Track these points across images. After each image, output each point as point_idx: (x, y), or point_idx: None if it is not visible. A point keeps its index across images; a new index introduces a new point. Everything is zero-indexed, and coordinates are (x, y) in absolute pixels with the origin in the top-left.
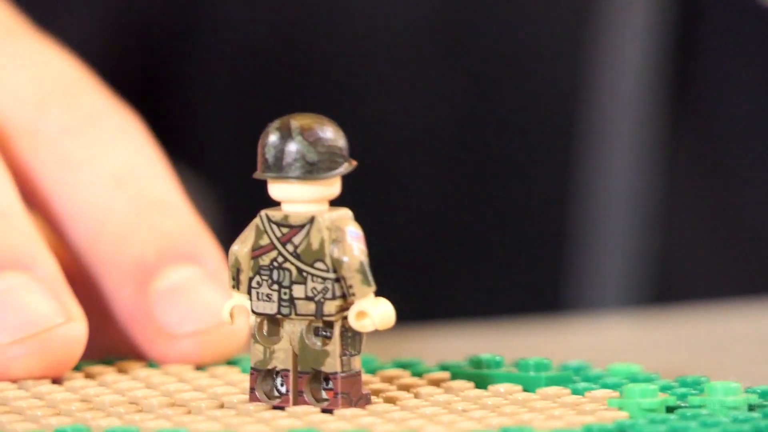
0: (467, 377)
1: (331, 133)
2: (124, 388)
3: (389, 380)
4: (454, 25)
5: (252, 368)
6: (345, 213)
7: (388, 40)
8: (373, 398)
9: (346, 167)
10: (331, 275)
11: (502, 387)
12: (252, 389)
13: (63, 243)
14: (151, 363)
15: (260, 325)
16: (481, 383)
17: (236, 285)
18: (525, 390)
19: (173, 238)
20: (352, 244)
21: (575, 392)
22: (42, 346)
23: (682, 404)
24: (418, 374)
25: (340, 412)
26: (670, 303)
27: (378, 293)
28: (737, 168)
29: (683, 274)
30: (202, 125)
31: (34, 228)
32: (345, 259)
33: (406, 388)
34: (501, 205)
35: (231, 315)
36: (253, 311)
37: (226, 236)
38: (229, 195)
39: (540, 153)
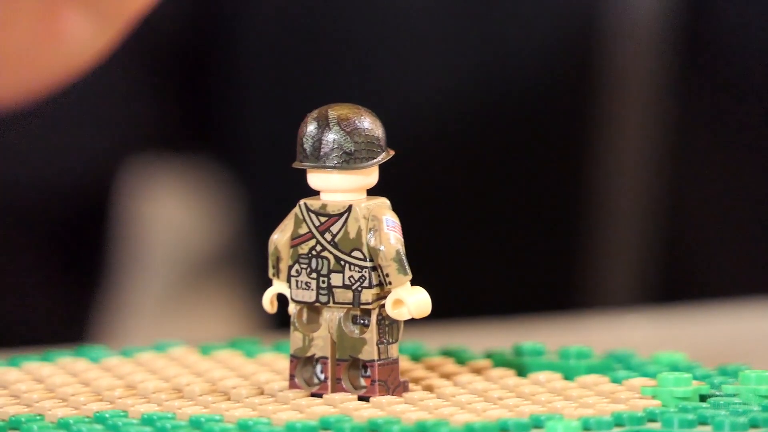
0: (510, 365)
1: (368, 123)
2: (171, 374)
3: (432, 368)
4: (474, 13)
5: (291, 355)
6: (382, 202)
7: (414, 29)
8: (411, 386)
9: (383, 156)
10: (368, 264)
11: (542, 375)
12: (292, 376)
13: None
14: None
15: (300, 313)
16: (523, 372)
17: (276, 273)
18: (565, 378)
19: None
20: (389, 233)
21: (614, 381)
22: None
23: (716, 393)
24: (461, 362)
25: (376, 399)
26: (688, 298)
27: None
28: (752, 153)
29: (699, 268)
30: (236, 119)
31: None
32: (381, 248)
33: (447, 376)
34: (515, 202)
35: (271, 302)
36: (292, 299)
37: (257, 228)
38: (261, 188)
39: (554, 148)
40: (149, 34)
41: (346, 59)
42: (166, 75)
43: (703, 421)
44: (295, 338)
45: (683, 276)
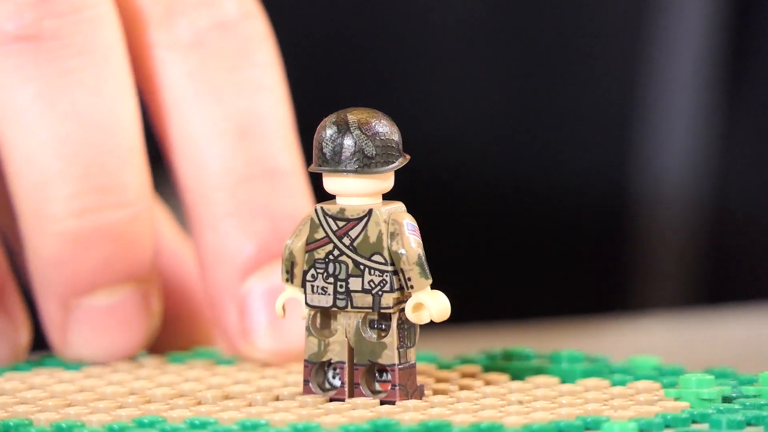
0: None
1: (386, 128)
2: (192, 377)
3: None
4: (512, 7)
5: (306, 360)
6: (399, 206)
7: (440, 30)
8: (426, 390)
9: (401, 161)
10: (390, 268)
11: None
12: (306, 381)
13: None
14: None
15: (313, 318)
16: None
17: (290, 278)
18: (563, 381)
19: (282, 225)
20: (410, 237)
21: (615, 383)
22: None
23: (738, 394)
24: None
25: (403, 403)
26: (726, 302)
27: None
28: None
29: (744, 271)
30: None
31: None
32: (403, 252)
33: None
34: (558, 204)
35: (283, 308)
36: (307, 304)
37: None
38: None
39: (596, 145)
40: None
41: (364, 71)
42: None
43: (750, 422)
44: (310, 343)
45: (728, 279)
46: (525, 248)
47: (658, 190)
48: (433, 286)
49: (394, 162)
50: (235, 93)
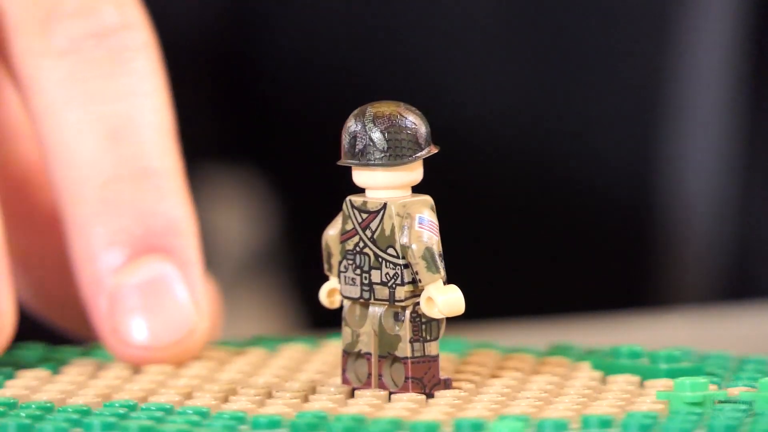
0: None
1: (412, 120)
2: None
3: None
4: (533, 8)
5: (343, 350)
6: (421, 199)
7: (460, 25)
8: (455, 383)
9: (425, 152)
10: (401, 261)
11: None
12: (344, 371)
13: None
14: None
15: (351, 308)
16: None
17: (329, 268)
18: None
19: (153, 223)
20: (420, 231)
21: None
22: None
23: (731, 399)
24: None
25: (398, 396)
26: (758, 296)
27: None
28: None
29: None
30: (271, 122)
31: None
32: (411, 245)
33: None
34: (582, 199)
35: (327, 296)
36: (341, 294)
37: (293, 232)
38: (297, 192)
39: (621, 144)
40: (185, 43)
41: (383, 66)
42: (203, 87)
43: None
44: (345, 333)
45: (752, 274)
46: (547, 245)
47: (682, 186)
48: (456, 282)
49: (418, 153)
50: (108, 98)
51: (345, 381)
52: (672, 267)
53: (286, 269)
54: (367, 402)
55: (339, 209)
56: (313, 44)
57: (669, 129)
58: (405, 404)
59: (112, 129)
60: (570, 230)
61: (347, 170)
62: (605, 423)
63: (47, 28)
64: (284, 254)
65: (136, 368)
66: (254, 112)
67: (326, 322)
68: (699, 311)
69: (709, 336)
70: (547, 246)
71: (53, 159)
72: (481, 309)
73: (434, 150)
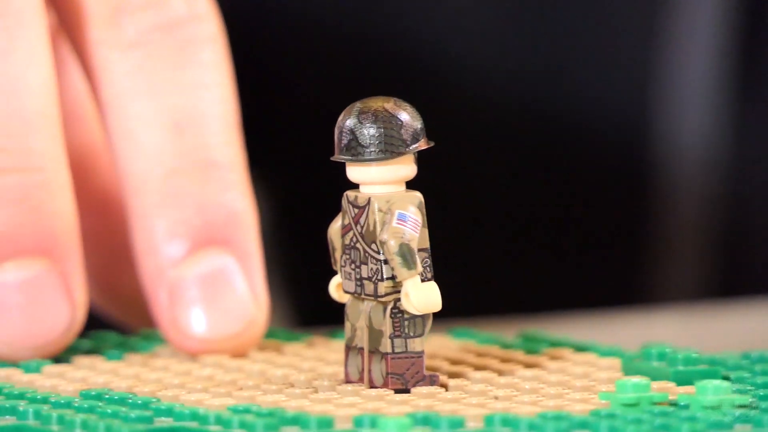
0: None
1: (403, 115)
2: (233, 367)
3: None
4: (526, 12)
5: (345, 345)
6: (408, 195)
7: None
8: (442, 379)
9: (416, 146)
10: (381, 257)
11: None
12: (345, 365)
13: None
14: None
15: (352, 303)
16: None
17: (335, 263)
18: None
19: (214, 215)
20: (398, 227)
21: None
22: None
23: (671, 401)
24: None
25: (366, 392)
26: (747, 294)
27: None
28: None
29: (757, 264)
30: (257, 120)
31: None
32: (388, 241)
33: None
34: (574, 199)
35: (336, 289)
36: (343, 288)
37: (277, 230)
38: (286, 187)
39: (612, 146)
40: None
41: (376, 62)
42: None
43: None
44: (346, 328)
45: (742, 272)
46: (538, 241)
47: (673, 180)
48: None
49: (409, 147)
50: (174, 90)
51: (346, 375)
52: (663, 264)
53: (273, 267)
54: (327, 397)
55: (326, 207)
56: (299, 39)
57: (659, 121)
58: (355, 400)
59: (177, 120)
60: (561, 228)
61: (335, 168)
62: (508, 422)
63: (117, 20)
64: (272, 252)
65: (193, 358)
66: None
67: (314, 319)
68: (687, 309)
69: (699, 333)
70: (539, 243)
71: (119, 149)
72: (467, 306)
73: (425, 145)
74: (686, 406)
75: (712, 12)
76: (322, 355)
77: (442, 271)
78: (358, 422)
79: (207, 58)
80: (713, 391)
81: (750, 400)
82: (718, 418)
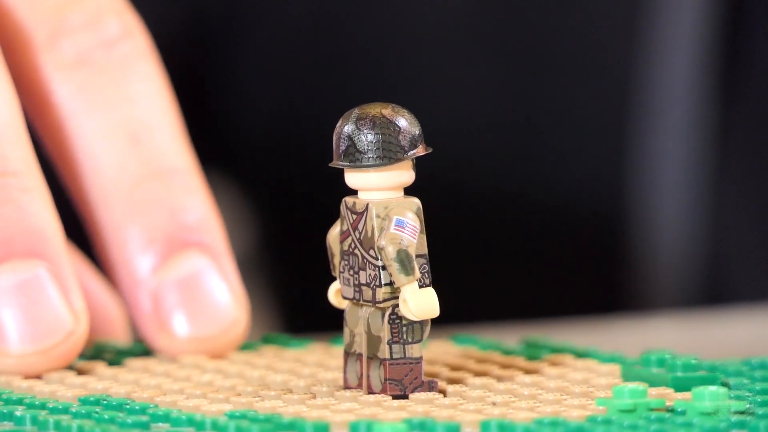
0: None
1: (404, 122)
2: (233, 372)
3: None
4: (506, 10)
5: (344, 351)
6: (406, 201)
7: (435, 28)
8: (441, 385)
9: (414, 152)
10: (379, 263)
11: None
12: (345, 371)
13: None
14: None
15: (351, 309)
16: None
17: (334, 269)
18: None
19: (184, 219)
20: (395, 233)
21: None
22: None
23: (668, 407)
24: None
25: (364, 398)
26: (723, 303)
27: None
28: None
29: (736, 274)
30: (239, 129)
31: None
32: (385, 247)
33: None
34: (555, 204)
35: (335, 296)
36: (342, 294)
37: (266, 237)
38: (270, 199)
39: (594, 154)
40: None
41: (356, 67)
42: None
43: None
44: (345, 334)
45: (722, 280)
46: (524, 250)
47: (654, 195)
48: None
49: (407, 153)
50: (124, 103)
51: (345, 381)
52: (645, 273)
53: (262, 275)
54: (324, 403)
55: (317, 214)
56: (284, 50)
57: (640, 138)
58: (352, 405)
59: (132, 132)
60: (546, 237)
61: (326, 175)
62: (505, 428)
63: (55, 43)
64: (260, 261)
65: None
66: (228, 120)
67: (303, 326)
68: (673, 316)
69: (684, 340)
70: (525, 253)
71: (79, 167)
72: (470, 312)
73: (423, 151)
74: (683, 412)
75: (686, 73)
76: (323, 360)
77: (445, 277)
78: (354, 428)
79: (145, 70)
80: (710, 397)
81: (747, 406)
82: (713, 424)
